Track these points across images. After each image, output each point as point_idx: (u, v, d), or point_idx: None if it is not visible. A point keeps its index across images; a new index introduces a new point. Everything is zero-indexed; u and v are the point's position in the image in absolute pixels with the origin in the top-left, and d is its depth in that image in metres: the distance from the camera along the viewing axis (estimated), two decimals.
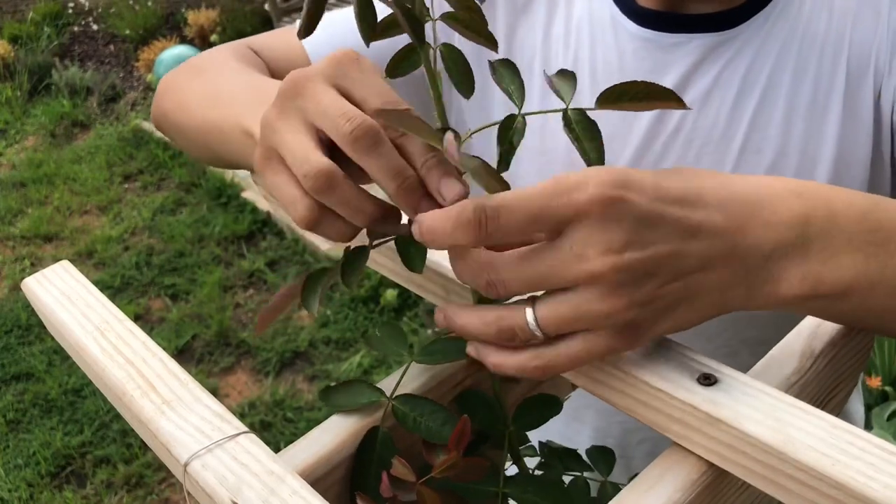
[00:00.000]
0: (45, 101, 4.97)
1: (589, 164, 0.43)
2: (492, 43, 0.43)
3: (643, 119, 0.76)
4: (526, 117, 0.45)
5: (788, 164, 0.73)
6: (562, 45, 0.79)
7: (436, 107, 0.44)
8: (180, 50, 4.75)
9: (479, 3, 0.43)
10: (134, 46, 5.30)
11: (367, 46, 0.44)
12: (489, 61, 0.46)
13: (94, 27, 5.71)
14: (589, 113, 0.44)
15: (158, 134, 4.44)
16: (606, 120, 0.74)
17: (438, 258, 0.53)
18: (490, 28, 0.44)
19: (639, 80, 0.42)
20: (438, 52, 0.44)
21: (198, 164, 4.07)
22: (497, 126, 0.45)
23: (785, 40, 0.73)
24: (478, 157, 0.41)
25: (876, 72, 0.70)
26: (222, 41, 4.74)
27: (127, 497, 2.44)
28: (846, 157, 0.72)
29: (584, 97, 0.76)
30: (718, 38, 0.74)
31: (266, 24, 4.89)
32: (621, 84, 0.42)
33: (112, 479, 2.49)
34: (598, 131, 0.43)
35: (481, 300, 0.48)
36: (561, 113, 0.44)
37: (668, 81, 0.74)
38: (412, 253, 0.46)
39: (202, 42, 4.95)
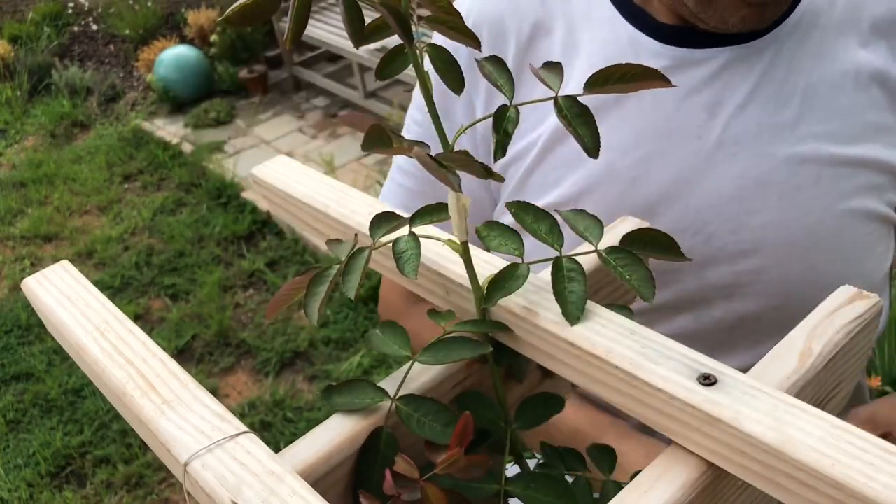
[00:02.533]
0: (45, 101, 4.97)
1: (585, 148, 0.44)
2: (474, 41, 0.43)
3: (682, 136, 0.74)
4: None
5: (840, 172, 0.73)
6: (573, 75, 0.76)
7: (428, 108, 0.45)
8: (180, 50, 4.75)
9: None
10: (134, 46, 5.29)
11: (357, 49, 0.44)
12: (476, 59, 0.47)
13: (94, 27, 5.71)
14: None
15: (159, 134, 4.45)
16: (642, 149, 0.74)
17: (436, 258, 0.53)
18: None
19: (630, 64, 0.43)
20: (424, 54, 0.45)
21: (198, 164, 4.08)
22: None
23: (817, 54, 0.73)
24: (463, 150, 0.42)
25: None
26: (222, 41, 4.75)
27: (127, 497, 2.44)
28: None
29: (614, 122, 0.76)
30: (747, 49, 0.73)
31: (265, 23, 4.89)
32: (606, 68, 0.43)
33: (112, 479, 2.49)
34: (592, 116, 0.44)
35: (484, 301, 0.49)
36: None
37: (701, 98, 0.74)
38: None
39: (202, 42, 4.95)
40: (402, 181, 0.89)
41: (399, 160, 0.90)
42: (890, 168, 0.74)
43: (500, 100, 0.52)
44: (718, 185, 0.74)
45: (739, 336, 0.78)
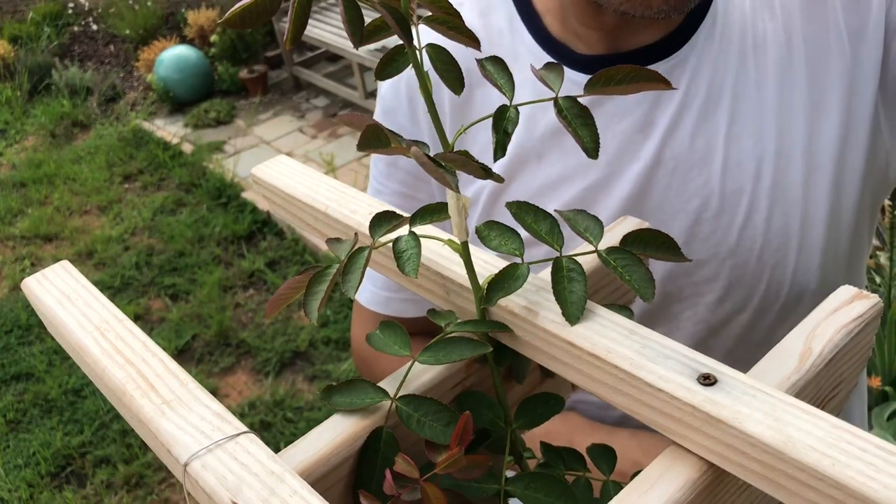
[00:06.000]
0: (45, 101, 4.97)
1: (584, 149, 0.44)
2: (474, 41, 0.44)
3: (622, 162, 0.75)
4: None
5: (778, 166, 0.73)
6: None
7: (427, 106, 0.45)
8: (180, 50, 4.75)
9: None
10: (134, 46, 5.30)
11: (357, 49, 0.44)
12: (476, 60, 0.47)
13: (94, 27, 5.71)
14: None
15: (158, 134, 4.45)
16: (587, 180, 0.74)
17: (436, 258, 0.53)
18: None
19: (626, 66, 0.43)
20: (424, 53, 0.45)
21: (198, 164, 4.08)
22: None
23: (739, 52, 0.73)
24: (461, 150, 0.42)
25: (888, 32, 0.70)
26: (222, 41, 4.75)
27: (127, 497, 2.44)
28: (849, 137, 0.72)
29: (555, 158, 0.76)
30: (669, 65, 0.73)
31: (265, 24, 4.89)
32: (608, 69, 0.43)
33: (112, 479, 2.49)
34: (591, 117, 0.44)
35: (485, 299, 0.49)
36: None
37: (633, 120, 0.74)
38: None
39: (202, 42, 4.95)
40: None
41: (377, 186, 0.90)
42: (818, 148, 0.74)
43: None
44: (665, 203, 0.74)
45: (739, 337, 0.78)
